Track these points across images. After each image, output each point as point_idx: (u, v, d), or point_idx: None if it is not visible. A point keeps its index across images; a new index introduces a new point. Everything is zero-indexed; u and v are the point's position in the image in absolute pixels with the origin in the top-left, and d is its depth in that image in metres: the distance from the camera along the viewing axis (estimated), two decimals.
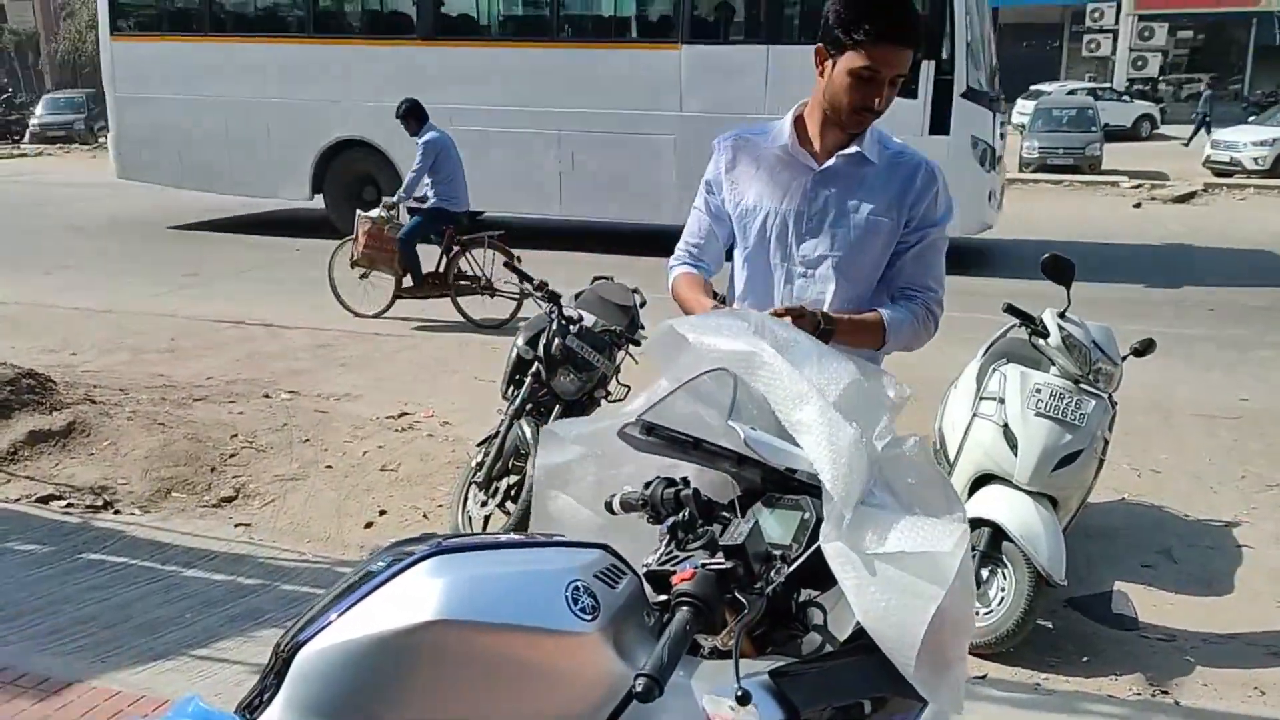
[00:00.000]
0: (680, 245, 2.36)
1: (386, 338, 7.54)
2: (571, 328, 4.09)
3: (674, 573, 1.31)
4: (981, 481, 3.62)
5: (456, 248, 7.94)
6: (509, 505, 4.02)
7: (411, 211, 8.20)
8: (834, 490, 1.31)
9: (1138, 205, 15.68)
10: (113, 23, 12.44)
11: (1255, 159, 18.17)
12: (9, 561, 3.81)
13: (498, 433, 4.12)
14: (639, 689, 1.10)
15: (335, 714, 1.17)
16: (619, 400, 4.23)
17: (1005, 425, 3.55)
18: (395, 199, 8.00)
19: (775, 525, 1.43)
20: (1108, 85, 30.28)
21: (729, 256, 2.38)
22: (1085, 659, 3.39)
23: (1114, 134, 22.76)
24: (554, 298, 4.16)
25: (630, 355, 4.31)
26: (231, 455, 4.98)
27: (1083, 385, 3.57)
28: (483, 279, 7.91)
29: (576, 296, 4.53)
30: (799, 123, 2.22)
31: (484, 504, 4.07)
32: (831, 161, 2.17)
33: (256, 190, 12.38)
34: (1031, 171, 18.88)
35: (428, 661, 1.18)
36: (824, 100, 2.13)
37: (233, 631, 3.32)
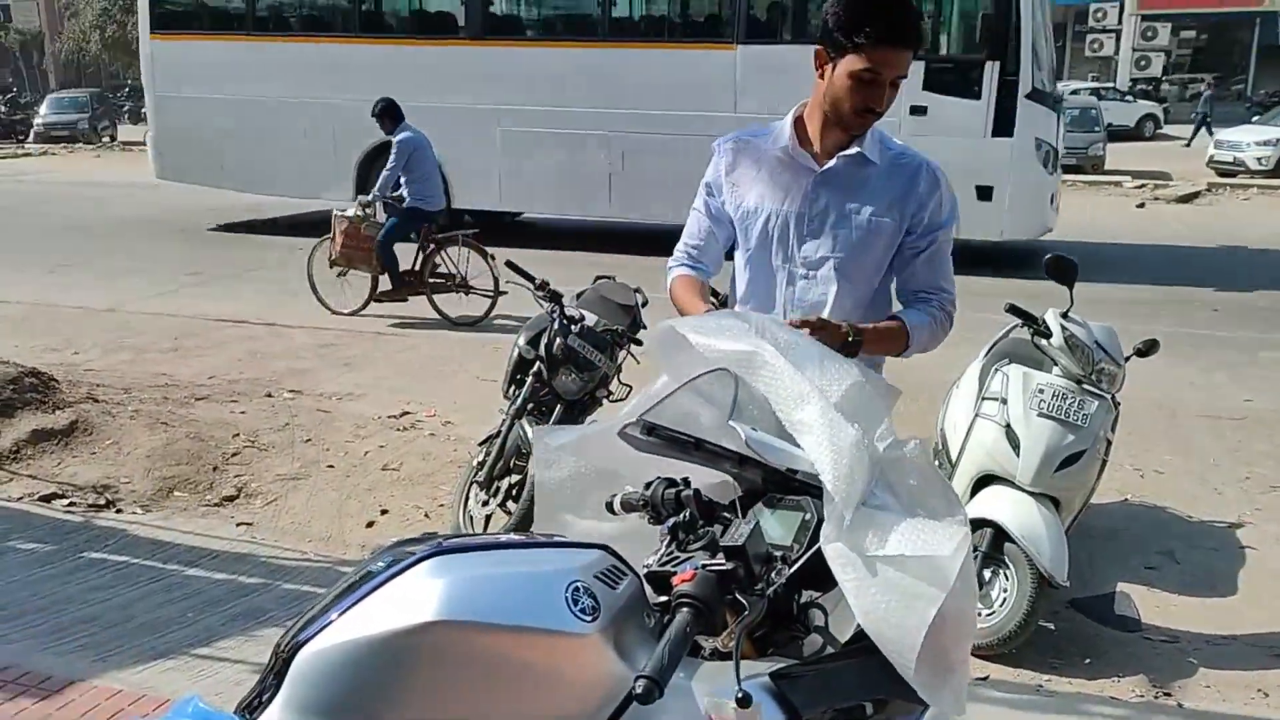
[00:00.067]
0: (679, 246, 2.36)
1: (389, 337, 7.55)
2: (573, 327, 4.08)
3: (674, 573, 1.30)
4: (984, 482, 3.61)
5: (432, 246, 7.98)
6: (510, 505, 4.02)
7: (388, 212, 8.21)
8: (835, 491, 1.30)
9: (1141, 205, 15.67)
10: (153, 21, 12.28)
11: (1259, 159, 18.16)
12: (11, 560, 3.82)
13: (499, 432, 4.12)
14: (639, 690, 1.10)
15: (335, 714, 1.17)
16: (620, 400, 4.22)
17: (1008, 426, 3.54)
18: (370, 197, 8.02)
19: (776, 526, 1.42)
20: (1111, 85, 30.26)
21: (729, 257, 2.37)
22: (1088, 660, 3.38)
23: (1117, 134, 22.75)
24: (556, 297, 4.15)
25: (632, 355, 4.30)
26: (233, 454, 4.98)
27: (1085, 386, 3.56)
28: (458, 276, 7.96)
29: (578, 296, 4.53)
30: (799, 124, 2.22)
31: (485, 503, 4.07)
32: (832, 163, 2.17)
33: (299, 191, 12.13)
34: None
35: (428, 662, 1.17)
36: (825, 102, 2.13)
37: (234, 631, 3.32)
